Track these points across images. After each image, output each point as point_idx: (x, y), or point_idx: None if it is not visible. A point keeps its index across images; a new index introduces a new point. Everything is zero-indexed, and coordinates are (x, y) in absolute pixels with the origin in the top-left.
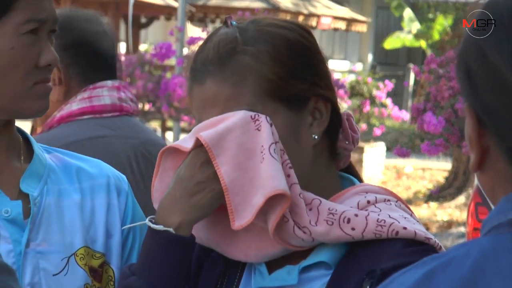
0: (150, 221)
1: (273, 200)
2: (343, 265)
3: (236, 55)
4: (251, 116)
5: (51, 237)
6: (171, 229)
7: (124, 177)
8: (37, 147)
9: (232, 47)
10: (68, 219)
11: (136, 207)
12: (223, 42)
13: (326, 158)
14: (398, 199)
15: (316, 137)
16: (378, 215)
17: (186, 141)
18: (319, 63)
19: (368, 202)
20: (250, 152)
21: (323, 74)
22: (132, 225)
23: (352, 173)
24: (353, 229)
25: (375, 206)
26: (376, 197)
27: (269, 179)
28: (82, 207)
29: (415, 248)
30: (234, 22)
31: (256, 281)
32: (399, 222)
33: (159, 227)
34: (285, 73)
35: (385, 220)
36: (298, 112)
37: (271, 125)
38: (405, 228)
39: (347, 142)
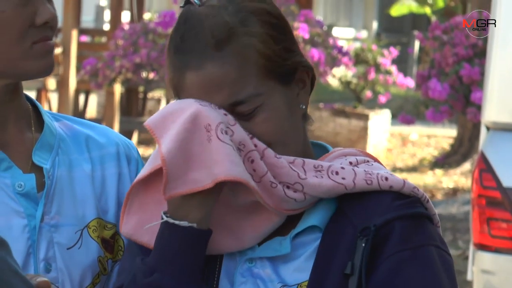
0: (168, 217)
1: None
2: (333, 224)
3: (234, 37)
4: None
5: (64, 210)
6: (194, 225)
7: (132, 143)
8: (47, 115)
9: (227, 28)
10: (80, 190)
11: None
12: (215, 25)
13: (304, 125)
14: (376, 160)
15: (303, 106)
16: (365, 170)
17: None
18: (290, 30)
19: (350, 163)
20: (190, 129)
21: (295, 41)
22: (153, 223)
23: None
24: (343, 178)
25: (358, 167)
26: (357, 159)
27: (217, 163)
28: (93, 178)
29: (404, 201)
30: (197, 1)
31: (243, 253)
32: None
33: (184, 223)
34: (279, 48)
35: (372, 171)
36: (289, 85)
37: (218, 108)
38: (391, 174)
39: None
